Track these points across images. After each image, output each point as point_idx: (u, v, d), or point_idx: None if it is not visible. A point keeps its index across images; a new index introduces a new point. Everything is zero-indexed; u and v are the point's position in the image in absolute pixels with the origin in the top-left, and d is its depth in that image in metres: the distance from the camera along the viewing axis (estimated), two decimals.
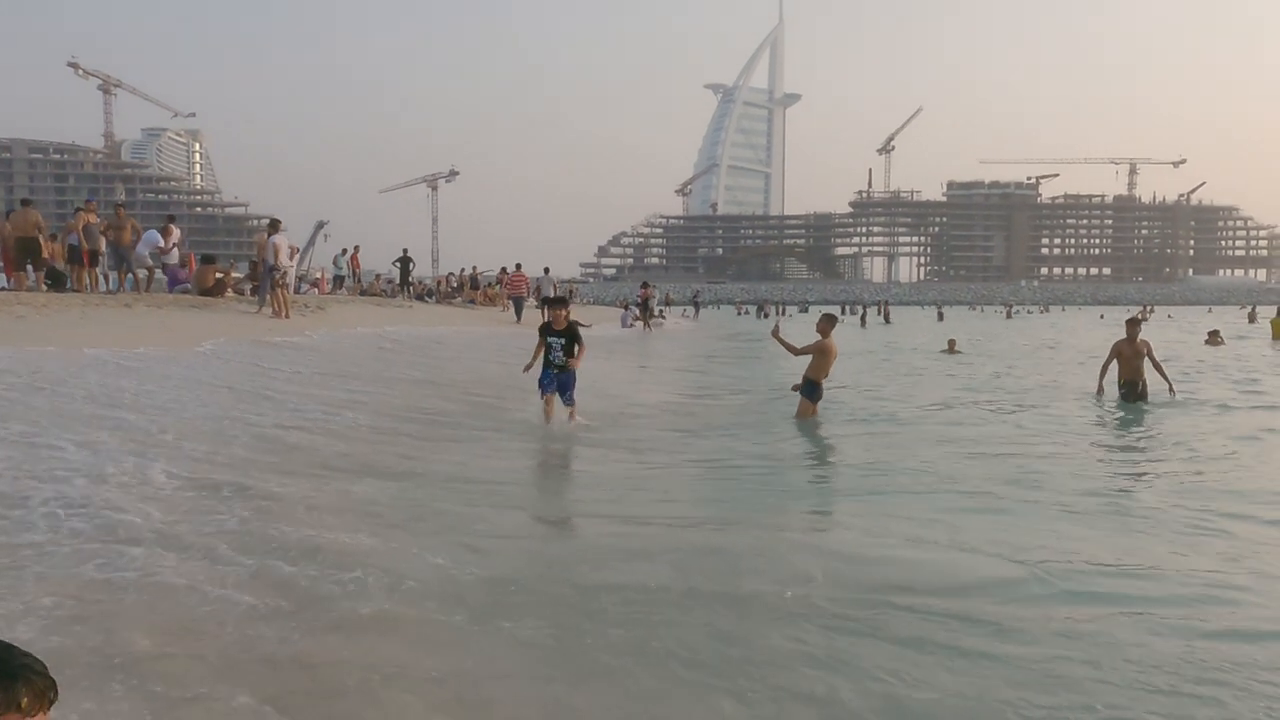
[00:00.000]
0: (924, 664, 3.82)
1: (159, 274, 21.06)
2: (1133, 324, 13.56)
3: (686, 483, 7.75)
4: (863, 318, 52.76)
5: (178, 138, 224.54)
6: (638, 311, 37.15)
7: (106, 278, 20.39)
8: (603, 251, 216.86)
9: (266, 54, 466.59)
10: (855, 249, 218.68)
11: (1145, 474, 8.45)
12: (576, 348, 9.99)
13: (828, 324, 11.52)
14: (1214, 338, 27.83)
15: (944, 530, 6.00)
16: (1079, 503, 6.92)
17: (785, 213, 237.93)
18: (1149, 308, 75.81)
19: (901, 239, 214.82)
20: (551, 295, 34.69)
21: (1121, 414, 12.28)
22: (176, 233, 21.50)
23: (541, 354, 9.95)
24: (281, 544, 4.83)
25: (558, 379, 9.89)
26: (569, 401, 9.99)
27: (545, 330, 10.04)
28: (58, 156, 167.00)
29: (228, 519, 5.24)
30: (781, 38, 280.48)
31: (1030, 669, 3.78)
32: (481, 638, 3.92)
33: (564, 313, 10.03)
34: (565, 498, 7.50)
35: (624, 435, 9.85)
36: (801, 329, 15.87)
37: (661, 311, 43.99)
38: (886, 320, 52.66)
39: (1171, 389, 13.18)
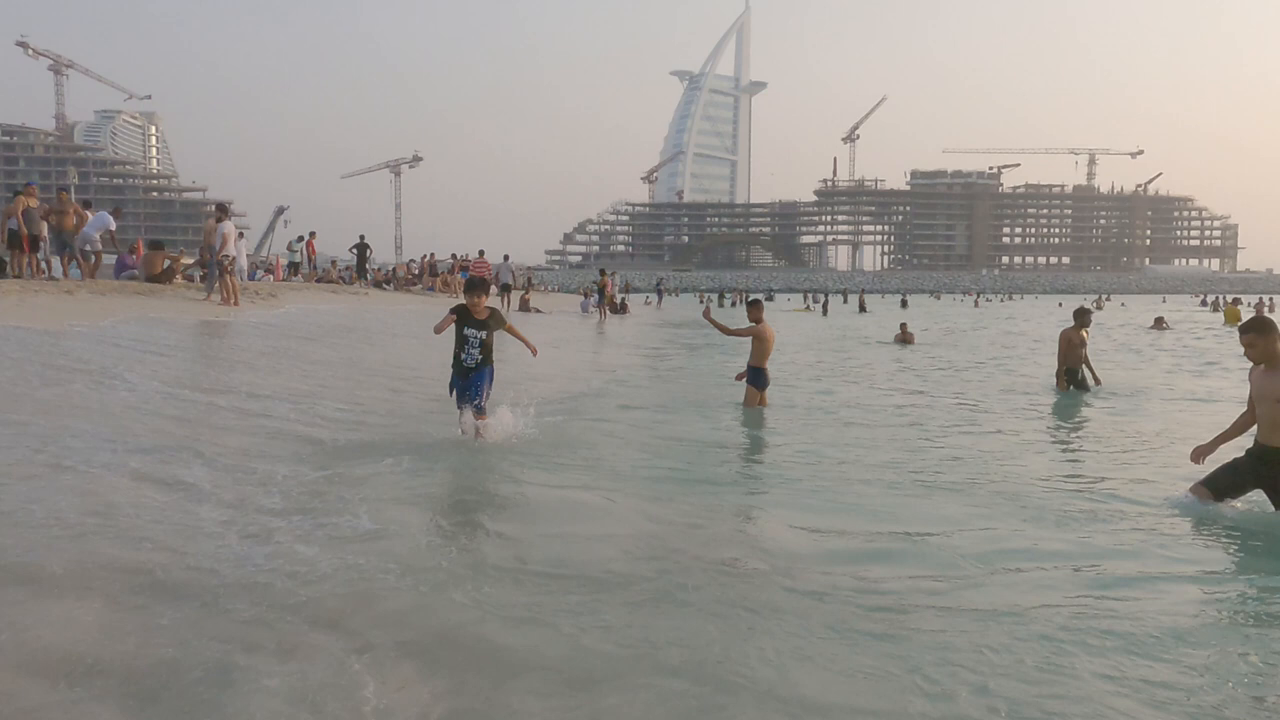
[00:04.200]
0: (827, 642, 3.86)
1: (106, 258, 20.63)
2: (1082, 313, 13.75)
3: (626, 466, 7.72)
4: (824, 306, 53.10)
5: (133, 120, 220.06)
6: (598, 298, 37.16)
7: (49, 263, 19.90)
8: (568, 239, 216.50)
9: (226, 36, 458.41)
10: (820, 237, 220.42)
11: (1073, 463, 8.59)
12: (523, 341, 8.46)
13: (758, 310, 11.60)
14: (1159, 323, 31.64)
15: (864, 517, 6.08)
16: (997, 494, 7.02)
17: (751, 201, 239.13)
18: (1105, 296, 77.33)
19: (865, 228, 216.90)
20: (509, 282, 34.42)
21: (1060, 401, 12.56)
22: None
23: (455, 343, 8.15)
24: None
25: (471, 383, 8.05)
26: (479, 409, 8.08)
27: (463, 317, 8.07)
28: (7, 139, 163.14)
29: None
30: (748, 25, 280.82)
31: (932, 650, 3.82)
32: None
33: (484, 300, 8.19)
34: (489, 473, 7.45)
35: (564, 422, 9.76)
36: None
37: (624, 300, 43.91)
38: (861, 308, 53.07)
39: (1096, 380, 13.70)
